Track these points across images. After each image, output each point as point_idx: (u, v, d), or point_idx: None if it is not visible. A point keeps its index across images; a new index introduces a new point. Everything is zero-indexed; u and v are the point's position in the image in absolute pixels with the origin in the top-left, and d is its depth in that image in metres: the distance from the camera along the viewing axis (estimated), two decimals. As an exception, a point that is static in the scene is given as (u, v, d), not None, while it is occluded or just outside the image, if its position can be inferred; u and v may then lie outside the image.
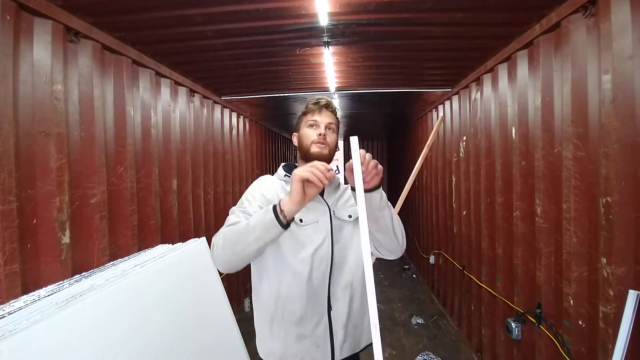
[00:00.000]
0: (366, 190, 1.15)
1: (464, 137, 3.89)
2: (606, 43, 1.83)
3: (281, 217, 1.11)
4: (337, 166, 11.21)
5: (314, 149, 1.37)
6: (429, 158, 5.25)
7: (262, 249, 1.17)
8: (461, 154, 3.99)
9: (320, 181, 1.08)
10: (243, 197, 1.37)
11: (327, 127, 1.39)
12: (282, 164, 1.51)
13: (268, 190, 1.38)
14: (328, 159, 1.38)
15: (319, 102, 1.41)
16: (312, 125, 1.39)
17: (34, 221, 1.85)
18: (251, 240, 1.13)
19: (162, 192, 3.02)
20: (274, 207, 1.12)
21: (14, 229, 1.69)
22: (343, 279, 1.38)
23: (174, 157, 3.19)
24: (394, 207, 1.38)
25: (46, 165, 1.91)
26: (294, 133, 1.48)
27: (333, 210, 1.40)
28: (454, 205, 4.25)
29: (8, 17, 1.72)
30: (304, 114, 1.44)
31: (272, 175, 1.51)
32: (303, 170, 1.09)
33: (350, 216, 1.42)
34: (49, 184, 1.92)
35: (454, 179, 4.26)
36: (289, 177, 1.40)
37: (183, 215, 3.35)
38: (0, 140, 1.65)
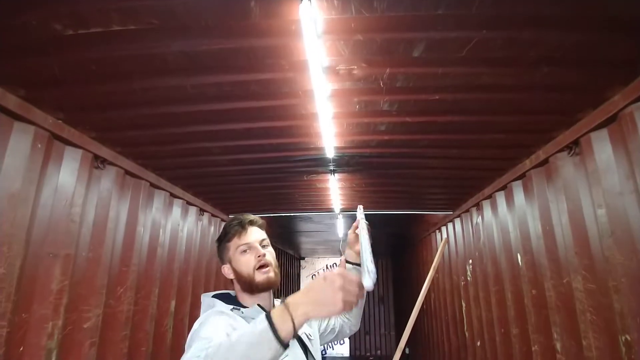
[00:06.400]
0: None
1: (470, 261, 3.85)
2: (595, 179, 1.93)
3: (282, 327, 0.76)
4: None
5: (260, 277, 1.16)
6: (436, 280, 5.10)
7: None
8: (469, 278, 3.89)
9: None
10: (197, 336, 0.96)
11: (261, 245, 1.21)
12: (210, 295, 1.21)
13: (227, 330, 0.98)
14: (277, 282, 1.20)
15: (242, 220, 1.21)
16: (245, 251, 1.18)
17: (21, 349, 1.74)
18: None
19: (158, 315, 2.89)
20: (268, 314, 0.79)
21: (-2, 358, 1.59)
22: None
23: (175, 277, 3.14)
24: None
25: (47, 287, 1.88)
26: (223, 266, 1.23)
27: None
28: (467, 334, 3.97)
29: (39, 145, 1.83)
30: (228, 239, 1.21)
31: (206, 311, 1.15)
32: (345, 288, 0.77)
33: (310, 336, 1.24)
34: (45, 308, 1.86)
35: (463, 304, 4.07)
36: (238, 309, 1.13)
37: (177, 342, 3.14)
38: (7, 263, 1.65)
